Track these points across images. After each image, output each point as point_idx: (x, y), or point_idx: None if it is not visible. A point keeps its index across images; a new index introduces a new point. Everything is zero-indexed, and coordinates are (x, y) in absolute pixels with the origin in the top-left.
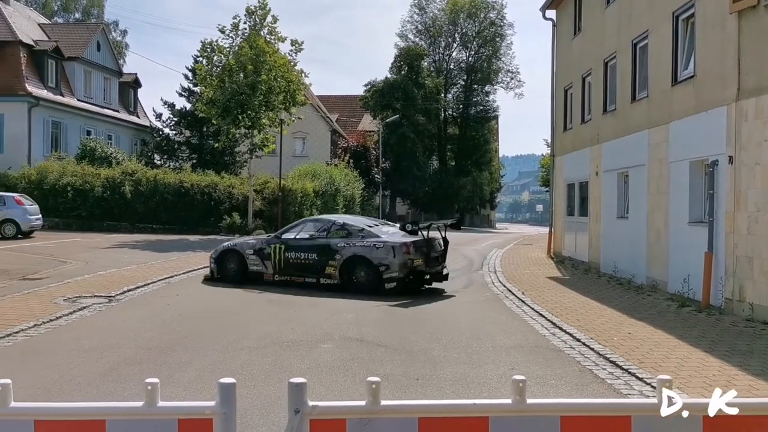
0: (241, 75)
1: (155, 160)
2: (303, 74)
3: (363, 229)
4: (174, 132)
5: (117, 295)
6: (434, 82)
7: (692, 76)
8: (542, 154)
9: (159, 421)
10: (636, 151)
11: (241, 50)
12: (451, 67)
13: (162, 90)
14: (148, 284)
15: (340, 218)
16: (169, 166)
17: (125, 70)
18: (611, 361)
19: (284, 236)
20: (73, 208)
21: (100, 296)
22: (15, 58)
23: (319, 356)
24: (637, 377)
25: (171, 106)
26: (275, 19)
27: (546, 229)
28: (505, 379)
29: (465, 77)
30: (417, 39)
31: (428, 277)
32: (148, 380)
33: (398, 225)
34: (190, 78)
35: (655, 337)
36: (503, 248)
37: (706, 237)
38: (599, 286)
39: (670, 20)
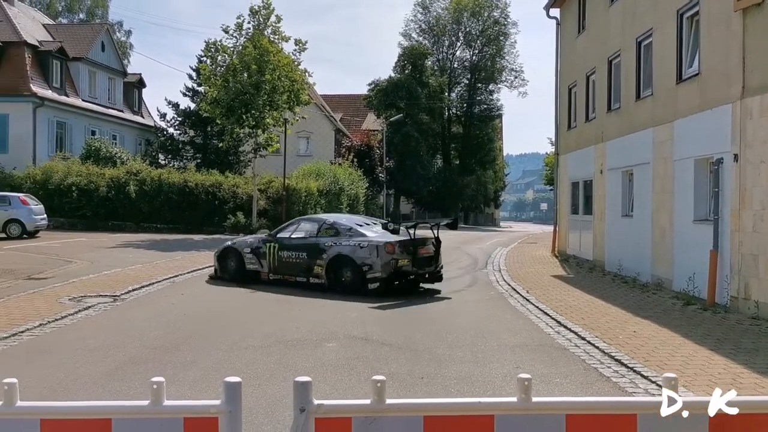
0: (245, 75)
1: (160, 160)
2: (307, 74)
3: (351, 228)
4: (178, 132)
5: (122, 294)
6: (438, 81)
7: (697, 74)
8: (546, 153)
9: (165, 420)
10: (641, 150)
11: (245, 50)
12: (455, 65)
13: (166, 90)
14: (153, 284)
15: (332, 217)
16: (174, 165)
17: (129, 70)
18: (616, 360)
19: (279, 235)
20: (77, 208)
21: (105, 296)
22: (20, 58)
23: (324, 355)
24: (642, 375)
25: (175, 105)
26: (279, 19)
27: (550, 228)
28: (510, 377)
29: (469, 76)
30: (421, 38)
31: (413, 277)
32: (154, 379)
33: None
34: (195, 78)
35: (660, 335)
36: (507, 247)
37: (711, 235)
38: (604, 284)
39: (674, 18)
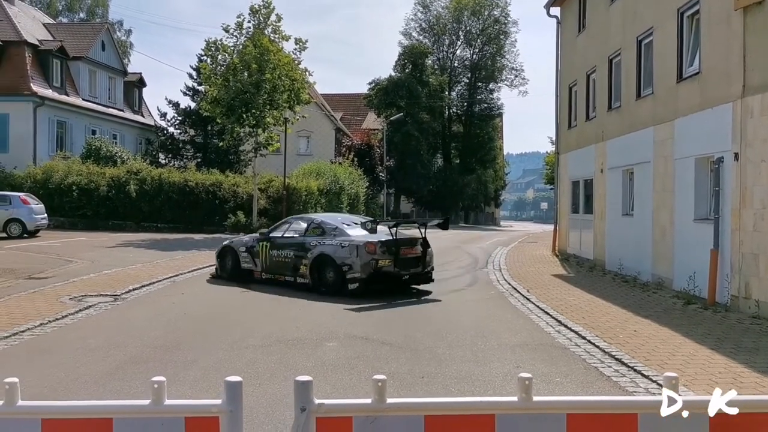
0: (246, 74)
1: (160, 159)
2: (307, 73)
3: (336, 227)
4: (179, 131)
5: (122, 293)
6: (438, 80)
7: (697, 73)
8: (547, 152)
9: (166, 420)
10: (641, 149)
11: (245, 49)
12: (456, 64)
13: (166, 89)
14: (154, 283)
15: (320, 217)
16: (174, 165)
17: (130, 69)
18: (617, 359)
19: (271, 234)
20: (78, 207)
21: (106, 295)
22: (20, 57)
23: (324, 354)
24: (642, 375)
25: (175, 105)
26: (279, 18)
27: (551, 227)
28: (511, 376)
29: (469, 75)
30: (421, 37)
31: (406, 278)
32: (155, 379)
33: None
34: (195, 77)
35: (661, 334)
36: (508, 246)
37: (712, 234)
38: (604, 283)
39: (675, 17)
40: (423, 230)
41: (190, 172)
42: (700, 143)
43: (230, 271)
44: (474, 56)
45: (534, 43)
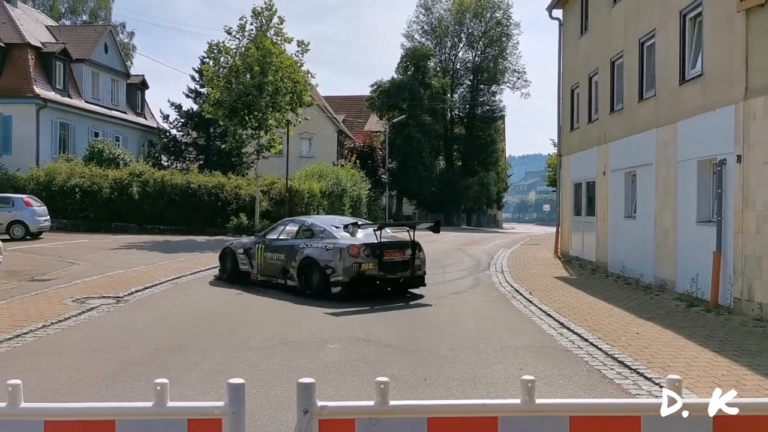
0: (248, 76)
1: (162, 161)
2: (309, 75)
3: (325, 230)
4: (181, 133)
5: (125, 296)
6: (440, 82)
7: (700, 75)
8: (549, 154)
9: (169, 421)
10: (643, 151)
11: (247, 51)
12: (458, 67)
13: (169, 91)
14: (156, 285)
15: (311, 219)
16: (177, 167)
17: (132, 71)
18: (619, 361)
19: (267, 236)
20: (81, 210)
21: (108, 297)
22: (23, 60)
23: (327, 357)
24: (645, 377)
25: (178, 107)
26: (281, 20)
27: (553, 229)
28: (513, 379)
29: (471, 77)
30: (423, 39)
31: (380, 282)
32: (158, 381)
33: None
34: (197, 79)
35: (664, 337)
36: (510, 248)
37: (715, 236)
38: (607, 285)
39: (677, 19)
40: (412, 233)
41: (192, 174)
42: (703, 145)
43: (230, 272)
44: (476, 58)
45: (536, 45)
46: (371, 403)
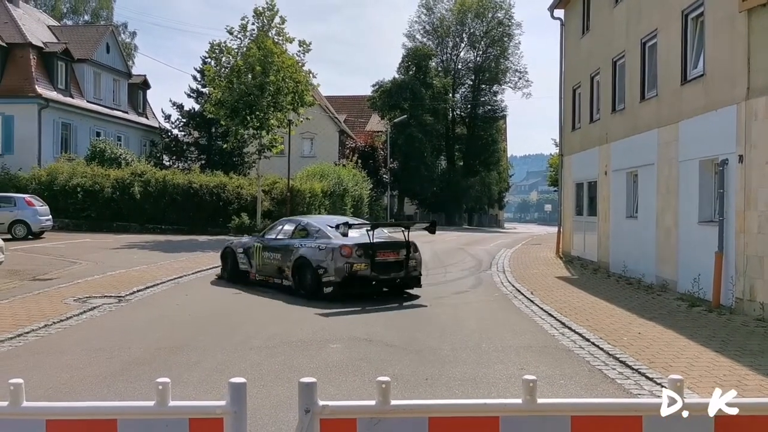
0: (250, 76)
1: (164, 161)
2: (311, 75)
3: (319, 230)
4: (183, 133)
5: (126, 295)
6: (442, 82)
7: (702, 75)
8: (551, 154)
9: (170, 421)
10: (645, 151)
11: (249, 51)
12: (459, 66)
13: (171, 91)
14: (157, 284)
15: (306, 219)
16: (178, 166)
17: (134, 71)
18: (621, 361)
19: (266, 236)
20: (82, 209)
21: (110, 296)
22: (25, 60)
23: (329, 356)
24: (647, 377)
25: (180, 107)
26: (283, 20)
27: (555, 229)
28: (515, 379)
29: (473, 77)
30: (425, 39)
31: (373, 283)
32: (159, 380)
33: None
34: (199, 79)
35: (665, 336)
36: (512, 248)
37: (716, 236)
38: (608, 285)
39: (679, 19)
40: (407, 233)
41: (194, 174)
42: (705, 145)
43: (230, 272)
44: (478, 58)
45: (538, 45)
46: (373, 402)
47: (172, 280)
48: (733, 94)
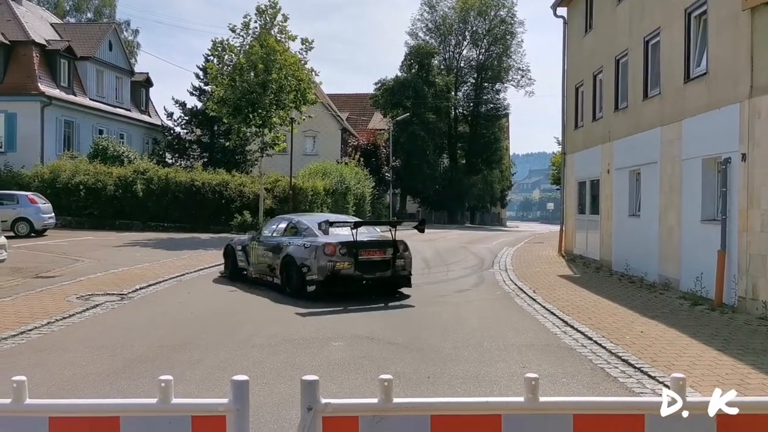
0: (252, 74)
1: (167, 159)
2: (313, 73)
3: (308, 228)
4: (185, 131)
5: (129, 293)
6: (444, 80)
7: (705, 74)
8: (553, 152)
9: (173, 418)
10: (648, 149)
11: (251, 49)
12: (462, 65)
13: (173, 89)
14: (160, 282)
15: (297, 217)
16: (181, 164)
17: (137, 69)
18: (623, 360)
19: (262, 234)
20: (85, 207)
21: (113, 294)
22: (28, 57)
23: (331, 354)
24: (649, 376)
25: (182, 105)
26: (286, 18)
27: (557, 228)
28: (517, 377)
29: (475, 75)
30: (427, 37)
31: (357, 282)
32: (162, 377)
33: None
34: (201, 77)
35: (668, 335)
36: (514, 246)
37: (719, 235)
38: (611, 284)
39: (682, 17)
40: (393, 232)
41: (196, 172)
42: (708, 144)
43: (230, 269)
44: (480, 56)
45: (540, 43)
46: (375, 400)
47: (174, 277)
48: (736, 93)
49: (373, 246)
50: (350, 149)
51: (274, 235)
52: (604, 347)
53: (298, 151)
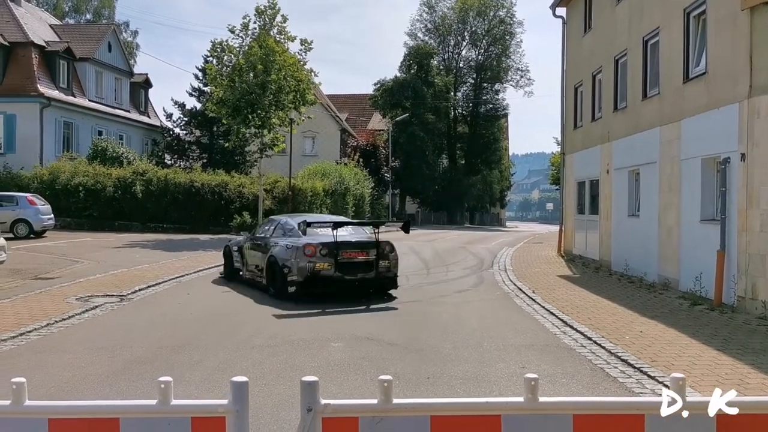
0: (251, 75)
1: (166, 160)
2: (312, 73)
3: (293, 228)
4: (184, 132)
5: (128, 294)
6: (444, 81)
7: (704, 73)
8: (552, 153)
9: (172, 420)
10: (647, 149)
11: (251, 50)
12: (461, 65)
13: (172, 90)
14: (159, 283)
15: (285, 218)
16: (180, 165)
17: (136, 70)
18: (623, 360)
19: (255, 235)
20: (84, 208)
21: (112, 295)
22: (27, 59)
23: (330, 355)
24: (649, 376)
25: (181, 106)
26: (285, 19)
27: (556, 228)
28: (516, 377)
29: (474, 75)
30: (426, 38)
31: (341, 283)
32: (162, 379)
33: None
34: (201, 78)
35: (667, 335)
36: (513, 246)
37: (719, 235)
38: (610, 284)
39: (681, 17)
40: (376, 232)
41: (195, 173)
42: (707, 144)
43: (227, 270)
44: (479, 57)
45: (539, 43)
46: (374, 401)
47: (173, 279)
48: (735, 92)
49: (354, 247)
50: (349, 150)
51: (264, 235)
52: (603, 347)
53: (297, 152)
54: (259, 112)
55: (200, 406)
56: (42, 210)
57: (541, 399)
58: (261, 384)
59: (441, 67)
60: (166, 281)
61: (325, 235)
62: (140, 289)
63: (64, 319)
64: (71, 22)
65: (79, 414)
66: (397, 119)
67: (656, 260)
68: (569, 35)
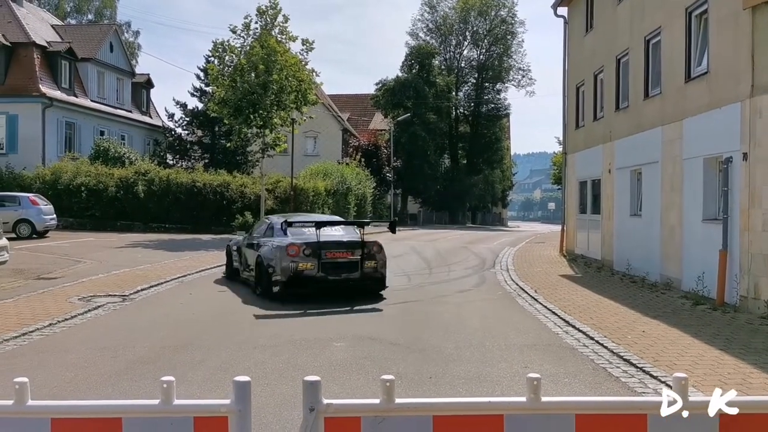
0: (253, 75)
1: (168, 160)
2: (314, 73)
3: (280, 228)
4: (186, 132)
5: (131, 294)
6: (445, 81)
7: (706, 73)
8: (554, 152)
9: (175, 419)
10: (649, 149)
11: (252, 50)
12: (462, 65)
13: (174, 90)
14: (162, 283)
15: (275, 218)
16: (182, 165)
17: (138, 70)
18: (625, 360)
19: (252, 235)
20: (86, 208)
21: (114, 295)
22: (29, 59)
23: (332, 354)
24: (651, 375)
25: (183, 106)
26: (286, 19)
27: (558, 227)
28: (519, 377)
29: (476, 75)
30: (428, 37)
31: (324, 283)
32: (164, 378)
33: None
34: (202, 78)
35: (670, 335)
36: (515, 246)
37: (721, 234)
38: (612, 284)
39: (683, 16)
40: (361, 232)
41: (197, 173)
42: (709, 143)
43: (229, 270)
44: (481, 56)
45: (541, 43)
46: (377, 401)
47: (176, 278)
48: (737, 92)
49: (339, 247)
50: (351, 150)
51: (257, 235)
52: (605, 347)
53: (299, 152)
54: (260, 112)
55: (203, 406)
56: (44, 210)
57: (544, 399)
58: (263, 384)
59: (442, 67)
60: (168, 281)
61: (312, 234)
62: (142, 289)
63: (66, 319)
64: (73, 22)
65: (81, 414)
66: (398, 119)
67: (658, 260)
68: (571, 35)
